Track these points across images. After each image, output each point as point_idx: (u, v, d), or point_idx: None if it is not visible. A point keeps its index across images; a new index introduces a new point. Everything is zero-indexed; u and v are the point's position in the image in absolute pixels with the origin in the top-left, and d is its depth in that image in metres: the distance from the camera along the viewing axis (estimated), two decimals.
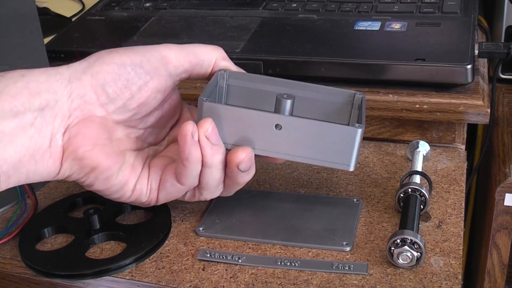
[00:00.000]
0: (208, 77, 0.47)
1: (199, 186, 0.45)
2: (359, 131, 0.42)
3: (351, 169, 0.44)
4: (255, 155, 0.44)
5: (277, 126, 0.43)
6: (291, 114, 0.45)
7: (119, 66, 0.42)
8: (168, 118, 0.48)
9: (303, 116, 0.47)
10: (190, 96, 0.59)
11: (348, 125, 0.47)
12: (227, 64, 0.47)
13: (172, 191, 0.45)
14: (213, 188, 0.45)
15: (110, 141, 0.43)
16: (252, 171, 0.45)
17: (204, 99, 0.43)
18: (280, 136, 0.43)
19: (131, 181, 0.44)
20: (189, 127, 0.41)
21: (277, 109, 0.45)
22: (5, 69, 0.40)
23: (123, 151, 0.44)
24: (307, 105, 0.48)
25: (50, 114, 0.40)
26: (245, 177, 0.44)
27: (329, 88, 0.48)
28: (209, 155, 0.42)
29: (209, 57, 0.46)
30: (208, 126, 0.42)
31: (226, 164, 0.44)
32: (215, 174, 0.43)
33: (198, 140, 0.42)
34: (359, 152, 0.44)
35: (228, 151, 0.44)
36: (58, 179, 0.42)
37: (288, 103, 0.45)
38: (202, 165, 0.43)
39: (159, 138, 0.48)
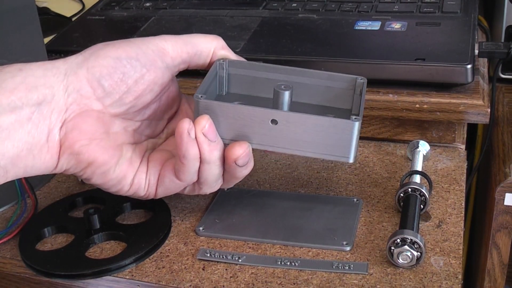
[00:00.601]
0: (207, 67, 0.47)
1: (198, 181, 0.45)
2: (356, 124, 0.42)
3: (351, 161, 0.44)
4: (254, 149, 0.44)
5: (273, 121, 0.43)
6: (290, 104, 0.45)
7: (114, 60, 0.42)
8: (166, 110, 0.47)
9: (305, 102, 0.47)
10: (190, 96, 0.59)
11: (350, 110, 0.47)
12: (226, 53, 0.47)
13: (171, 186, 0.45)
14: (212, 183, 0.45)
15: (107, 135, 0.43)
16: (251, 165, 0.45)
17: (200, 96, 0.43)
18: (277, 130, 0.43)
19: (129, 175, 0.44)
20: (185, 124, 0.41)
21: (275, 101, 0.45)
22: (3, 63, 0.40)
23: (120, 145, 0.44)
24: (308, 91, 0.48)
25: (47, 109, 0.40)
26: (243, 171, 0.45)
27: (330, 74, 0.48)
28: (207, 152, 0.42)
29: (207, 46, 0.46)
30: (205, 123, 0.42)
31: (224, 160, 0.44)
32: (213, 170, 0.44)
33: (196, 137, 0.42)
34: (358, 144, 0.44)
35: (226, 146, 0.44)
36: (55, 172, 0.42)
37: (286, 94, 0.44)
38: (201, 162, 0.43)
39: (157, 131, 0.48)
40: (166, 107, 0.47)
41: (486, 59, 0.64)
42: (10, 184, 0.52)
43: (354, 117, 0.42)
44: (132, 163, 0.44)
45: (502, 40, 0.68)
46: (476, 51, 0.58)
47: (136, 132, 0.46)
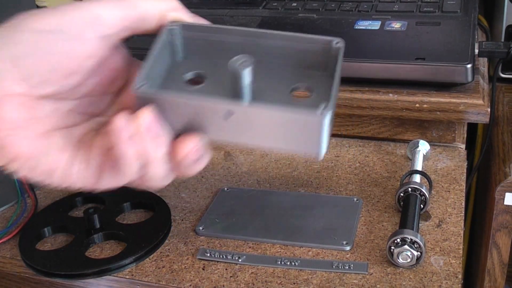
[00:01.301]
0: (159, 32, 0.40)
1: (143, 178, 0.38)
2: (326, 119, 0.35)
3: (320, 158, 0.37)
4: (233, 144, 0.39)
5: (228, 113, 0.36)
6: (251, 84, 0.37)
7: (35, 34, 0.36)
8: (109, 83, 0.40)
9: (272, 68, 0.40)
10: None
11: (327, 74, 0.41)
12: (179, 15, 0.40)
13: (112, 182, 0.39)
14: (160, 180, 0.38)
15: (34, 121, 0.37)
16: (206, 159, 0.38)
17: (137, 87, 0.35)
18: (233, 123, 0.36)
19: (60, 166, 0.38)
20: (119, 122, 0.35)
21: (234, 84, 0.37)
22: None
23: (49, 132, 0.38)
24: (275, 57, 0.40)
25: None
26: (196, 167, 0.38)
27: (299, 36, 0.40)
28: (149, 150, 0.36)
29: (153, 9, 0.39)
30: (145, 119, 0.35)
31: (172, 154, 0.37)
32: (159, 168, 0.37)
33: (134, 136, 0.35)
34: (329, 138, 0.37)
35: (175, 138, 0.37)
36: None
37: (246, 73, 0.36)
38: (143, 161, 0.37)
39: (101, 107, 0.41)
40: (108, 80, 0.40)
41: (486, 59, 0.64)
42: (10, 184, 0.53)
43: (322, 107, 0.35)
44: (63, 153, 0.38)
45: (502, 40, 0.68)
46: (476, 51, 0.58)
47: (73, 112, 0.39)
